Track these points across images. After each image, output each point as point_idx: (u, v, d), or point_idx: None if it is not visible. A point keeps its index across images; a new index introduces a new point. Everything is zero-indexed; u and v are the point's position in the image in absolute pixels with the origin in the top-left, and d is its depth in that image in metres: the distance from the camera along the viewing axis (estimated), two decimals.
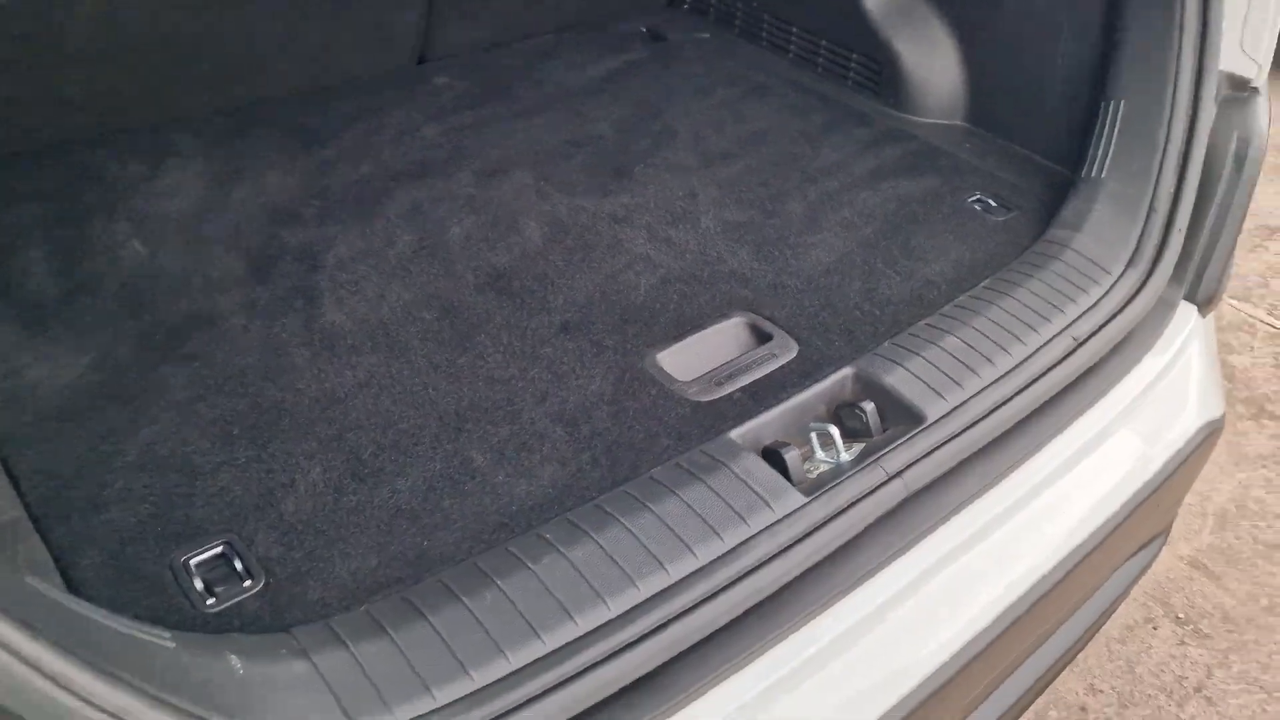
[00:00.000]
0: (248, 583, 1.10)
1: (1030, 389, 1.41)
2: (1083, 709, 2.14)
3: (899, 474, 1.27)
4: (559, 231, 1.71)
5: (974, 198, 1.84)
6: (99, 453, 1.25)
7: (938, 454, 1.30)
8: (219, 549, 1.14)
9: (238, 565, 1.12)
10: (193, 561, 1.12)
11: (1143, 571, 1.77)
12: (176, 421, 1.30)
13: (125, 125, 1.89)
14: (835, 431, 1.32)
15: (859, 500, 1.23)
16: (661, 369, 1.43)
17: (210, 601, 1.08)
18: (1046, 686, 1.71)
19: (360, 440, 1.29)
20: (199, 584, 1.10)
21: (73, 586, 1.09)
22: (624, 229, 1.73)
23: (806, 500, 1.21)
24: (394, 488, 1.23)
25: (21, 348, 1.40)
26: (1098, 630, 1.79)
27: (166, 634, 0.92)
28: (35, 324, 1.45)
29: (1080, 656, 2.15)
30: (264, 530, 1.16)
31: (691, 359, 1.46)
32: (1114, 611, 1.82)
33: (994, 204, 1.83)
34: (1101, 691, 2.17)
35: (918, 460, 1.29)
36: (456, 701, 0.96)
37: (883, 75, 2.14)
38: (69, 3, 1.66)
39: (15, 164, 1.78)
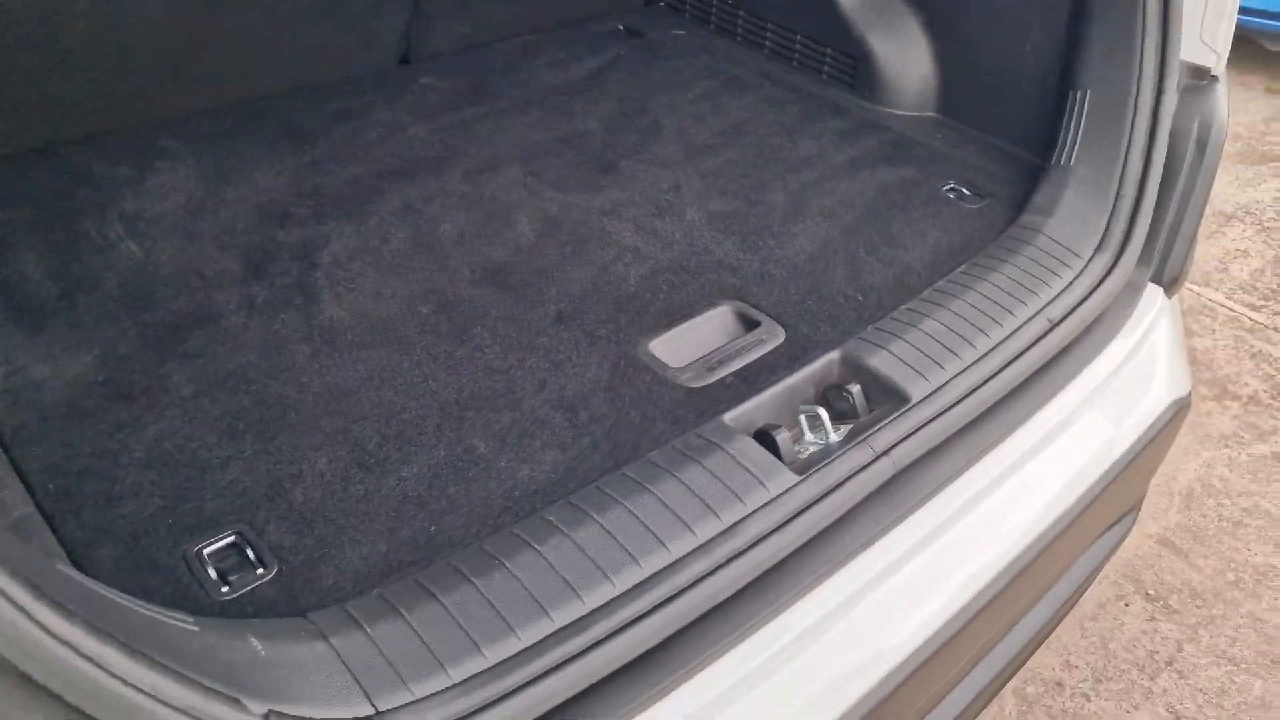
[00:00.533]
0: (260, 570, 1.13)
1: (1008, 369, 1.47)
2: (1059, 684, 2.20)
3: (887, 452, 1.32)
4: (550, 226, 1.75)
5: (948, 186, 1.90)
6: (106, 449, 1.27)
7: (922, 432, 1.35)
8: (231, 539, 1.16)
9: (250, 554, 1.15)
10: (205, 551, 1.15)
11: (1116, 547, 1.83)
12: (181, 418, 1.33)
13: (113, 127, 1.90)
14: (824, 413, 1.37)
15: (849, 478, 1.28)
16: (654, 356, 1.48)
17: (225, 590, 1.11)
18: (1025, 661, 1.77)
19: (365, 431, 1.32)
20: (213, 573, 1.12)
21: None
22: (613, 222, 1.77)
23: (799, 479, 1.25)
24: (400, 476, 1.26)
25: (23, 347, 1.41)
26: (1073, 605, 1.85)
27: (189, 618, 0.95)
28: (35, 324, 1.46)
29: (1055, 634, 2.22)
30: (275, 520, 1.19)
31: (683, 346, 1.50)
32: (1089, 586, 1.88)
33: (967, 192, 1.88)
34: (1076, 667, 2.23)
35: (904, 439, 1.34)
36: (471, 678, 1.00)
37: (857, 69, 2.19)
38: (63, 4, 1.67)
39: (3, 166, 1.79)
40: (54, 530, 1.16)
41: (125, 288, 1.54)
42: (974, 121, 2.05)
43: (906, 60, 2.12)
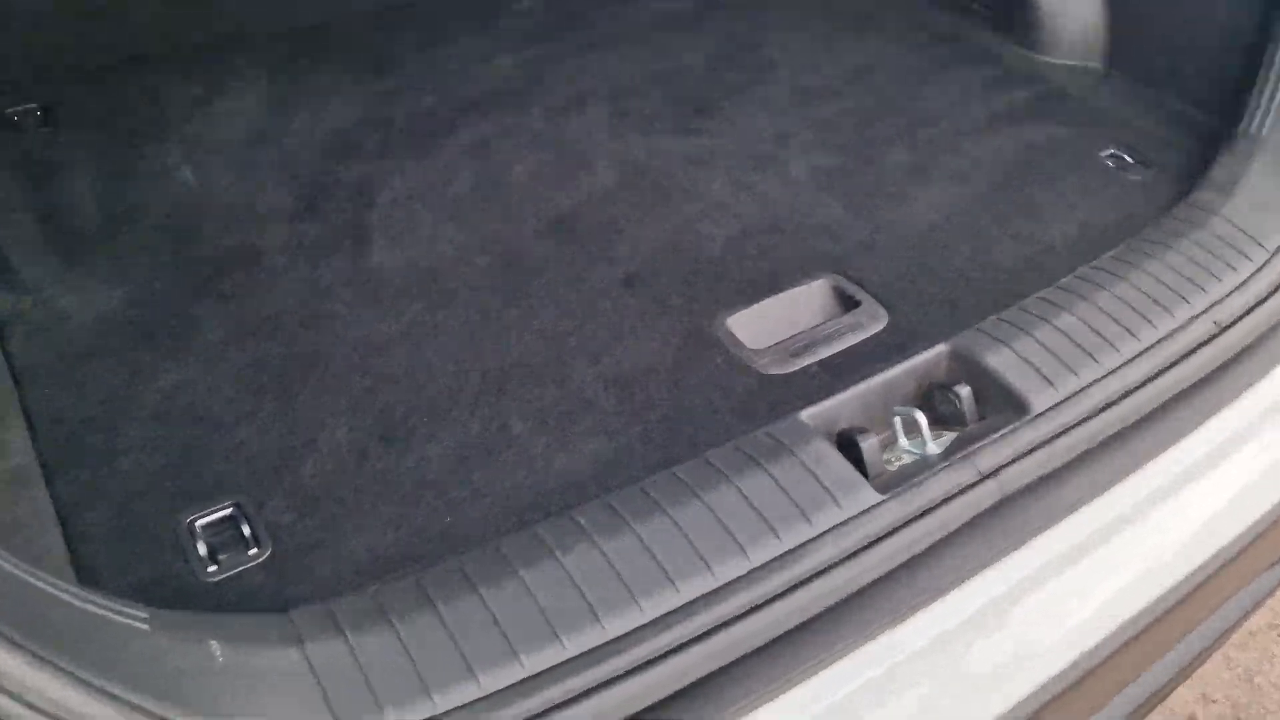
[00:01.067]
0: (254, 550, 1.01)
1: (1158, 380, 1.23)
2: (1192, 718, 1.95)
3: (993, 474, 1.10)
4: (632, 173, 1.58)
5: (1108, 151, 1.64)
6: (119, 396, 1.18)
7: (1041, 452, 1.13)
8: (228, 510, 1.06)
9: (246, 530, 1.03)
10: (199, 523, 1.04)
11: (1276, 588, 1.56)
12: (204, 366, 1.22)
13: (186, 45, 1.82)
14: (922, 418, 1.16)
15: (943, 502, 1.07)
16: (731, 334, 1.29)
17: (212, 569, 1.00)
18: (1159, 702, 1.53)
19: (394, 397, 1.19)
20: (203, 548, 1.01)
21: (73, 542, 1.02)
22: (703, 172, 1.58)
23: (882, 498, 1.06)
24: (423, 454, 1.12)
25: (57, 276, 1.34)
26: (1218, 648, 1.60)
27: (143, 614, 0.83)
28: (74, 252, 1.39)
29: None
30: (279, 493, 1.07)
31: (766, 324, 1.31)
32: (1239, 628, 1.61)
33: (1130, 159, 1.62)
34: (1215, 701, 1.98)
35: (1016, 459, 1.12)
36: (458, 709, 0.85)
37: (1012, 6, 1.91)
38: None
39: (71, 84, 1.72)
40: (49, 484, 1.07)
41: (172, 218, 1.45)
42: (1146, 75, 1.77)
43: None
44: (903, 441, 1.18)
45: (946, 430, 1.18)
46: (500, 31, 1.94)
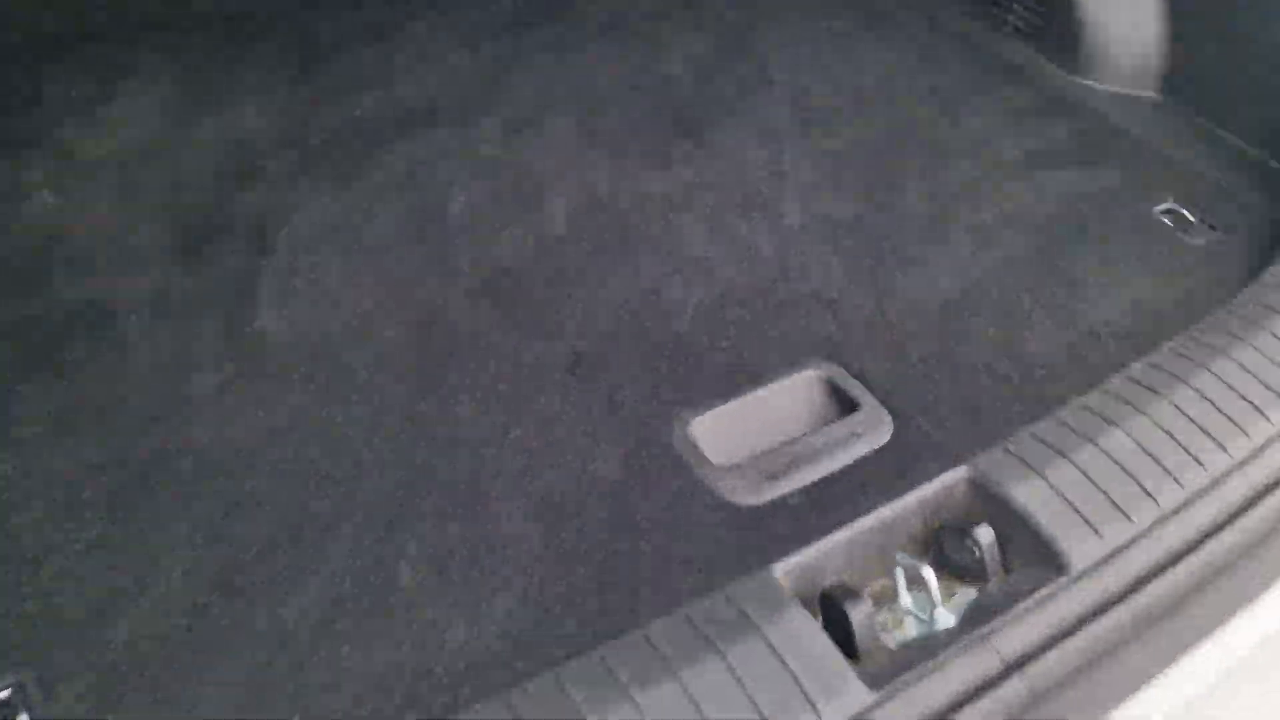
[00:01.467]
0: None
1: (1236, 523, 0.97)
2: None
3: (1019, 665, 0.85)
4: (592, 213, 1.34)
5: (1164, 206, 1.41)
6: None
7: (1084, 632, 0.87)
8: (3, 694, 0.80)
9: None
10: None
11: None
12: (13, 474, 0.97)
13: (85, 33, 1.54)
14: (931, 577, 0.91)
15: (954, 706, 0.82)
16: (693, 444, 1.04)
17: None
18: None
19: (251, 526, 0.93)
20: None
21: None
22: (680, 216, 1.34)
23: (874, 698, 0.81)
24: (277, 612, 0.87)
25: None
26: None
27: None
28: None
29: None
30: (78, 668, 0.83)
31: (739, 431, 1.07)
32: None
33: (1192, 217, 1.39)
34: None
35: (1051, 642, 0.86)
36: None
37: (1053, 20, 1.66)
38: None
39: None
40: None
41: (14, 260, 1.19)
42: (1214, 111, 1.53)
43: (1123, 14, 1.58)
44: (904, 599, 0.93)
45: (961, 584, 0.93)
46: (459, 19, 1.68)
